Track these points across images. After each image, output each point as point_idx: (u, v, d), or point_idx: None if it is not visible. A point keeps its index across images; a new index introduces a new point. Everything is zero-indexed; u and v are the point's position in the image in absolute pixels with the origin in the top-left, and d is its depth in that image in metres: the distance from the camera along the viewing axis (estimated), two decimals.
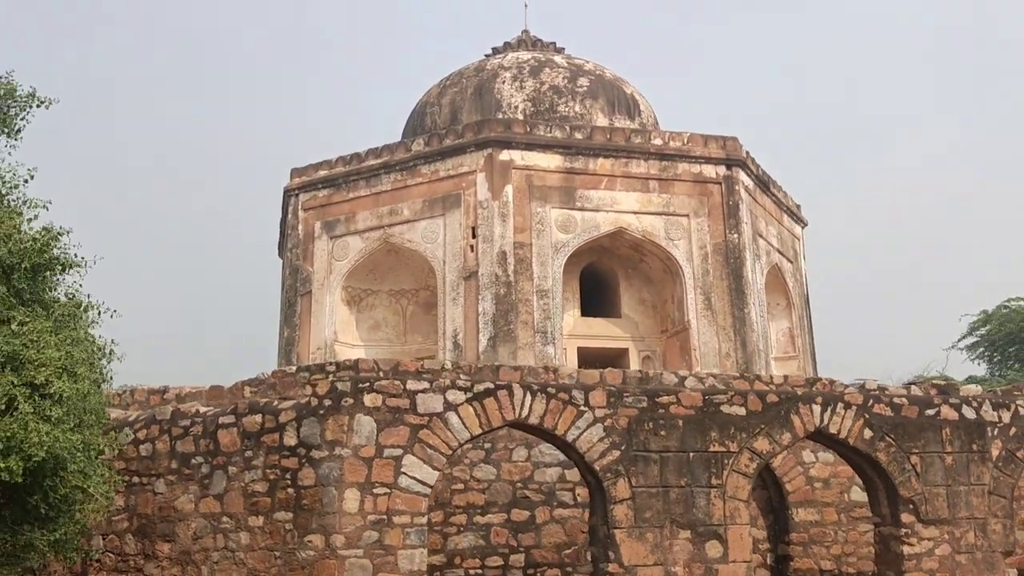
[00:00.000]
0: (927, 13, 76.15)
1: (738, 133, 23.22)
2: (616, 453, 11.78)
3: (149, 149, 71.95)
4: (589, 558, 12.88)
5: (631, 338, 23.11)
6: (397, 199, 22.80)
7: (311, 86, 79.78)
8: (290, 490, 11.33)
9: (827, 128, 76.64)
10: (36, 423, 8.15)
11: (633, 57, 73.31)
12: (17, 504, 8.99)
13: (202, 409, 12.74)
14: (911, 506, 12.57)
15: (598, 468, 11.73)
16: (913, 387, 13.66)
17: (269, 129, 77.01)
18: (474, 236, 21.58)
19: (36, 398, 8.37)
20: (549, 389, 11.81)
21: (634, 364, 22.37)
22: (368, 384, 11.32)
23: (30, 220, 9.34)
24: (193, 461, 12.21)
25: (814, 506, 15.47)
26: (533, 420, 11.74)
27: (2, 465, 8.00)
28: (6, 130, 9.68)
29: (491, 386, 11.67)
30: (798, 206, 26.95)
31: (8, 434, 8.02)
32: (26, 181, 9.49)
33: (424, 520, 11.32)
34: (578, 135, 22.40)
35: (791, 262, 25.83)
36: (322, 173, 23.92)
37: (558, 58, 26.33)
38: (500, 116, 23.76)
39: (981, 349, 33.35)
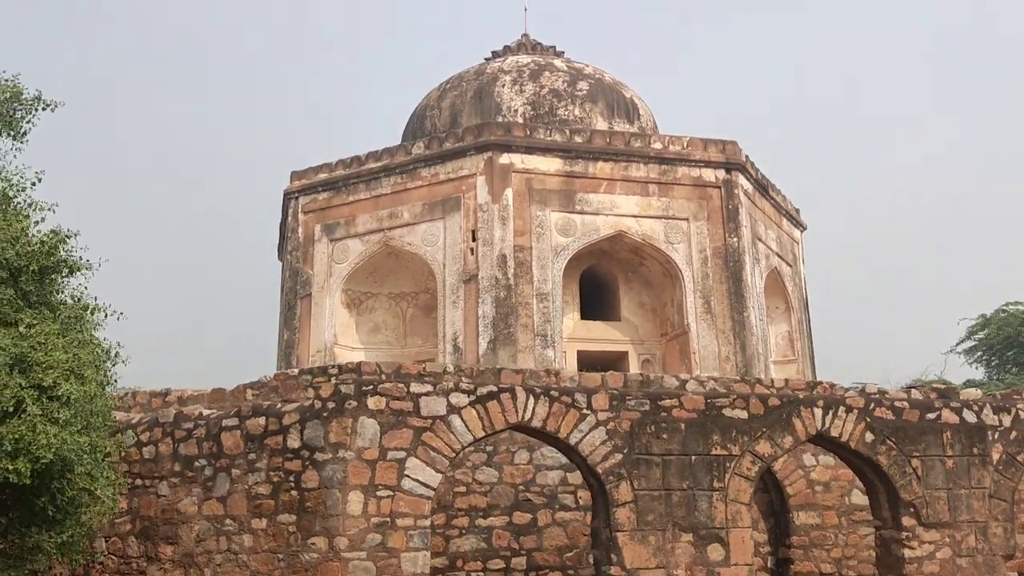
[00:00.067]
0: (927, 13, 76.28)
1: (738, 133, 23.48)
2: (619, 456, 11.80)
3: (149, 149, 71.98)
4: (591, 561, 12.91)
5: (631, 341, 23.16)
6: (397, 202, 22.85)
7: (311, 86, 79.77)
8: (293, 492, 11.34)
9: (827, 128, 76.73)
10: (44, 425, 8.18)
11: (633, 57, 73.34)
12: (24, 506, 9.01)
13: (205, 412, 12.76)
14: (912, 509, 12.60)
15: (601, 471, 11.75)
16: (913, 391, 13.69)
17: (269, 129, 76.97)
18: (474, 239, 21.62)
19: (44, 400, 8.40)
20: (552, 392, 11.83)
21: (634, 367, 22.40)
22: (372, 387, 11.34)
23: (37, 223, 9.38)
24: (196, 463, 12.23)
25: (815, 509, 15.50)
26: (536, 423, 11.76)
27: (10, 467, 8.04)
28: (12, 133, 9.70)
29: (494, 389, 11.69)
30: (797, 210, 27.02)
31: (16, 436, 8.05)
32: (34, 184, 9.53)
33: (427, 522, 11.34)
34: (578, 139, 22.46)
35: (790, 266, 25.90)
36: (322, 176, 23.95)
37: (558, 62, 26.39)
38: (500, 120, 23.81)
39: (979, 353, 33.39)
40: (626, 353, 23.00)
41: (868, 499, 13.49)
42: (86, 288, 10.03)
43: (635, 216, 22.26)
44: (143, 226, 62.51)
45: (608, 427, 11.86)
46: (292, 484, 11.38)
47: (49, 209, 9.54)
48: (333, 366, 13.37)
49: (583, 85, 25.37)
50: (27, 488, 8.69)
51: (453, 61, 68.84)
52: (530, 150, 22.05)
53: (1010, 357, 32.02)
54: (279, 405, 12.02)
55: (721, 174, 22.86)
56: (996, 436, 13.18)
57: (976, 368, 33.74)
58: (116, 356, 10.22)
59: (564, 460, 13.97)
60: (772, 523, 15.74)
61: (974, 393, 13.78)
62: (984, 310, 33.86)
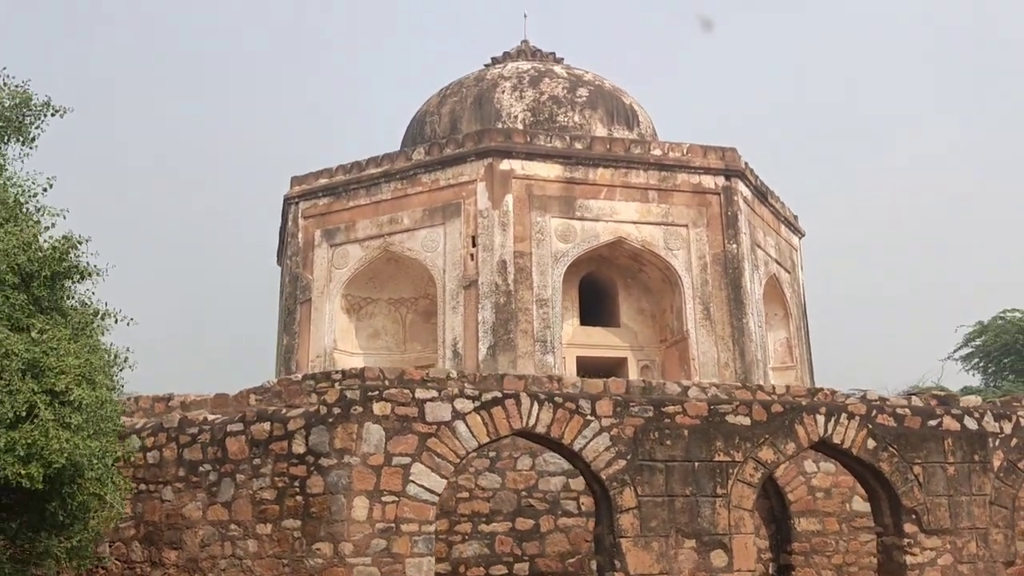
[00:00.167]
0: (927, 13, 76.62)
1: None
2: (622, 462, 11.84)
3: (149, 149, 72.05)
4: (593, 567, 12.94)
5: (630, 347, 23.20)
6: (397, 208, 22.89)
7: (311, 86, 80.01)
8: (298, 498, 11.37)
9: (827, 128, 77.05)
10: (56, 430, 8.22)
11: (633, 58, 73.66)
12: (35, 511, 9.04)
13: (209, 417, 12.78)
14: (914, 516, 12.66)
15: (604, 477, 11.79)
16: (914, 398, 13.75)
17: (269, 129, 77.17)
18: (474, 245, 21.66)
19: (56, 405, 8.44)
20: (556, 398, 11.87)
21: (633, 373, 22.44)
22: (377, 392, 11.37)
23: (47, 228, 9.41)
24: (201, 469, 12.25)
25: (816, 516, 15.54)
26: (540, 429, 11.80)
27: (23, 472, 8.07)
28: (20, 138, 9.74)
29: (498, 395, 11.73)
30: (795, 217, 27.11)
31: (29, 441, 8.09)
32: (44, 190, 9.56)
33: (432, 528, 11.37)
34: (578, 145, 22.52)
35: (789, 272, 25.97)
36: (322, 181, 23.98)
37: (558, 68, 26.46)
38: (500, 126, 23.87)
39: (976, 360, 33.54)
40: (625, 359, 23.04)
41: (870, 506, 13.54)
42: (93, 293, 10.08)
43: (635, 222, 22.33)
44: (143, 226, 62.52)
45: (612, 433, 11.90)
46: (297, 489, 11.40)
47: (59, 215, 9.60)
48: (336, 371, 13.36)
49: (583, 92, 25.44)
50: (38, 493, 8.72)
51: (453, 62, 68.97)
52: (530, 156, 22.10)
53: (1007, 364, 32.17)
54: (284, 410, 12.05)
55: (720, 181, 22.92)
56: (997, 443, 13.25)
57: (973, 375, 33.93)
58: (125, 361, 10.27)
59: (566, 466, 14.01)
60: (773, 529, 15.78)
61: (974, 400, 13.86)
62: (982, 316, 34.09)
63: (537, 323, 21.16)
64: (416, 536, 11.19)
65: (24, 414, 8.23)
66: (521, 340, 20.94)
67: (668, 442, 12.02)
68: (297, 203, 24.17)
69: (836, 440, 12.64)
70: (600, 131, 24.48)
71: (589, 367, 21.40)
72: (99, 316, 9.77)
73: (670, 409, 12.15)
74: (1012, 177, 66.69)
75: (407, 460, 11.30)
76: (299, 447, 11.51)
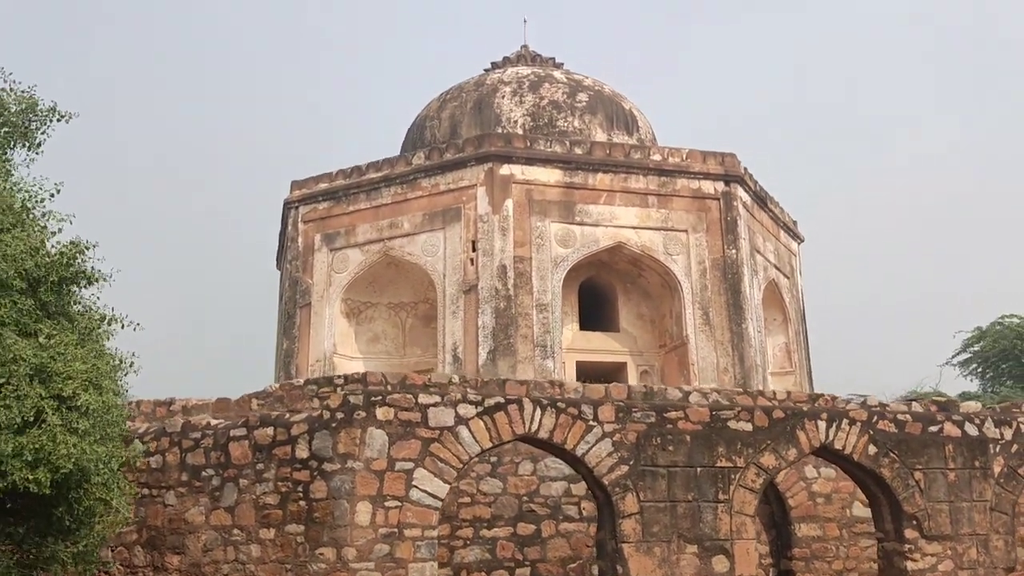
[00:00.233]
0: (927, 13, 76.82)
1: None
2: (624, 468, 11.86)
3: (149, 149, 72.07)
4: (595, 572, 12.96)
5: (629, 352, 23.23)
6: (397, 212, 22.91)
7: (311, 87, 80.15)
8: (302, 503, 11.38)
9: (827, 128, 77.21)
10: (64, 435, 8.24)
11: (633, 59, 73.83)
12: (41, 516, 9.05)
13: (213, 421, 12.79)
14: (915, 522, 12.69)
15: (607, 483, 11.81)
16: (914, 404, 13.78)
17: (269, 130, 77.25)
18: (474, 250, 21.69)
19: (64, 410, 8.46)
20: (559, 404, 11.90)
21: (632, 378, 22.47)
22: (380, 397, 11.39)
23: (54, 233, 9.43)
24: (204, 473, 12.26)
25: (816, 521, 15.57)
26: (543, 434, 11.82)
27: (31, 477, 8.09)
28: (27, 143, 9.76)
29: (501, 400, 11.75)
30: (795, 222, 27.18)
31: (37, 446, 8.11)
32: (52, 195, 9.59)
33: (435, 533, 11.39)
34: (578, 150, 22.56)
35: (788, 277, 26.02)
36: (322, 186, 24.01)
37: (557, 73, 26.51)
38: (500, 131, 23.90)
39: (974, 365, 33.63)
40: (625, 364, 23.07)
41: (870, 511, 13.58)
42: (98, 298, 10.10)
43: (634, 227, 22.37)
44: (141, 227, 62.51)
45: (614, 439, 11.93)
46: (300, 494, 11.42)
47: (66, 220, 9.62)
48: (338, 376, 13.39)
49: (583, 97, 25.49)
50: (45, 498, 8.74)
51: (453, 62, 69.14)
52: (530, 161, 22.14)
53: (1005, 369, 32.26)
54: (287, 415, 12.06)
55: (720, 186, 22.98)
56: (997, 449, 13.29)
57: (971, 380, 34.00)
58: (131, 366, 10.29)
59: (568, 471, 14.03)
60: (774, 535, 15.80)
61: (974, 406, 13.89)
62: (981, 322, 34.17)
63: (537, 328, 21.19)
64: (419, 541, 11.20)
65: (32, 419, 8.25)
66: (521, 345, 20.97)
67: (670, 448, 12.04)
68: (297, 207, 24.19)
69: (837, 446, 12.67)
70: (600, 136, 24.53)
71: (588, 372, 21.45)
72: (105, 321, 9.80)
73: (672, 415, 12.17)
74: (1012, 177, 66.92)
75: (410, 465, 11.32)
76: (302, 452, 11.52)
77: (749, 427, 12.36)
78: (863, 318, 57.20)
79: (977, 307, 41.02)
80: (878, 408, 13.15)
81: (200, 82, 76.68)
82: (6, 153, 9.70)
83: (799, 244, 27.54)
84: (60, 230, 9.50)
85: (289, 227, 24.37)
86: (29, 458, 8.09)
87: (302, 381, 14.24)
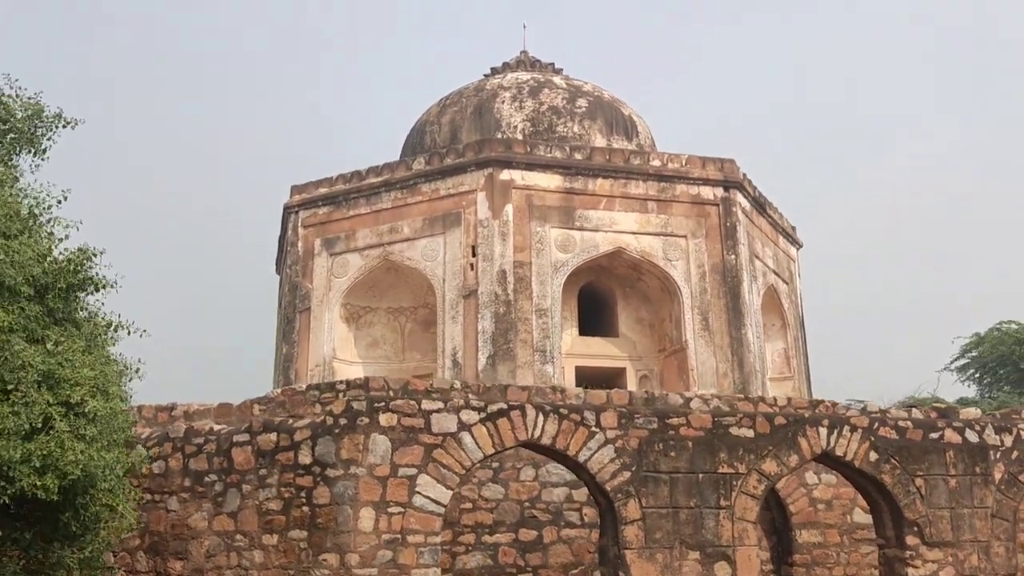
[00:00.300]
0: (927, 13, 77.02)
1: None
2: (627, 474, 11.88)
3: (149, 150, 72.08)
4: None
5: (628, 357, 23.27)
6: (397, 217, 22.96)
7: (311, 86, 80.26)
8: (305, 508, 11.39)
9: (827, 128, 77.36)
10: (72, 442, 8.26)
11: (632, 61, 73.96)
12: (48, 522, 9.06)
13: (215, 427, 12.80)
14: (916, 528, 12.72)
15: (609, 489, 11.83)
16: (914, 410, 13.82)
17: (269, 129, 77.34)
18: (474, 255, 21.72)
19: (72, 417, 8.47)
20: (561, 410, 11.92)
21: (631, 383, 22.51)
22: (384, 404, 11.40)
23: (61, 240, 9.46)
24: (207, 479, 12.26)
25: (817, 527, 15.59)
26: (545, 441, 11.84)
27: (39, 483, 8.11)
28: (33, 149, 9.78)
29: (504, 406, 11.76)
30: (793, 227, 27.25)
31: (45, 452, 8.12)
32: (59, 202, 9.61)
33: (438, 539, 11.40)
34: (578, 156, 22.62)
35: (786, 283, 26.08)
36: (322, 190, 24.04)
37: (557, 79, 26.56)
38: (500, 136, 23.95)
39: (972, 370, 33.69)
40: (624, 369, 23.11)
41: (871, 518, 13.61)
42: (102, 303, 10.11)
43: (634, 233, 22.42)
44: (141, 227, 62.46)
45: (617, 445, 11.95)
46: (303, 500, 11.42)
47: (72, 226, 9.64)
48: (340, 382, 13.39)
49: (582, 102, 25.55)
50: (52, 504, 8.75)
51: (452, 66, 69.12)
52: (530, 166, 22.19)
53: (1003, 375, 32.32)
54: (290, 421, 12.07)
55: (719, 192, 23.04)
56: (998, 456, 13.32)
57: (968, 386, 34.05)
58: (136, 372, 10.31)
59: (569, 477, 14.04)
60: (774, 541, 15.83)
61: (974, 412, 13.93)
62: (979, 327, 34.24)
63: (536, 333, 21.22)
64: (422, 547, 11.21)
65: (40, 425, 8.26)
66: (520, 350, 21.00)
67: (672, 454, 12.06)
68: (297, 212, 24.21)
69: (839, 452, 12.71)
70: (599, 141, 24.58)
71: (588, 377, 21.47)
72: (112, 328, 9.82)
73: (674, 421, 12.20)
74: (1012, 177, 67.04)
75: (413, 471, 11.33)
76: (305, 458, 11.53)
77: (751, 433, 12.38)
78: (862, 319, 57.33)
79: (976, 310, 41.15)
80: (879, 415, 13.17)
81: (200, 82, 76.91)
82: (13, 159, 9.73)
83: (798, 249, 27.61)
84: (67, 236, 9.55)
85: (289, 231, 24.39)
86: (37, 464, 8.11)
87: (304, 386, 14.24)
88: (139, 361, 10.35)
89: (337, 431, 11.37)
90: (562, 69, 27.88)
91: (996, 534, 13.03)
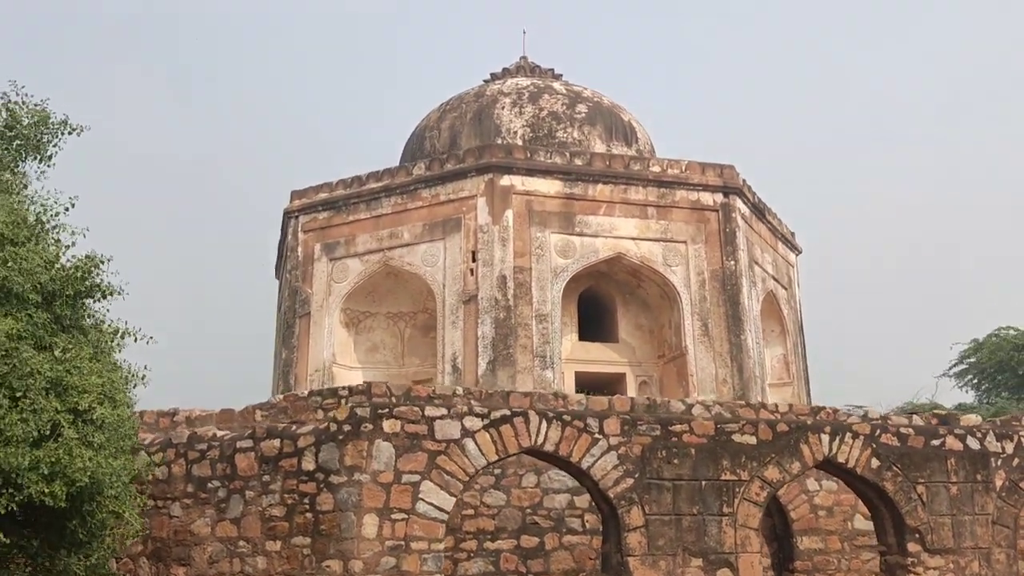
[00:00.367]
0: (927, 13, 77.27)
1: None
2: (630, 481, 11.89)
3: (149, 150, 72.07)
4: None
5: (628, 363, 23.27)
6: (397, 222, 22.95)
7: (311, 88, 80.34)
8: (308, 515, 11.40)
9: (826, 134, 77.60)
10: (80, 449, 8.27)
11: (632, 65, 74.02)
12: (55, 529, 9.06)
13: (218, 433, 12.80)
14: (917, 535, 12.74)
15: (612, 496, 11.84)
16: (915, 417, 13.84)
17: (269, 129, 77.37)
18: (474, 260, 21.73)
19: (79, 424, 8.48)
20: (564, 416, 11.93)
21: (631, 389, 22.53)
22: (387, 410, 11.41)
23: (68, 247, 9.46)
24: (210, 485, 12.26)
25: (818, 534, 15.62)
26: (548, 447, 11.85)
27: (47, 490, 8.12)
28: (38, 156, 9.79)
29: (507, 413, 11.77)
30: (792, 233, 27.27)
31: (53, 459, 8.14)
32: (67, 209, 9.62)
33: (441, 546, 11.41)
34: (578, 161, 22.63)
35: (785, 289, 26.11)
36: (322, 196, 24.04)
37: (557, 84, 26.59)
38: (499, 141, 23.96)
39: (970, 376, 33.77)
40: (623, 375, 23.11)
41: (873, 525, 13.62)
42: (108, 310, 10.13)
43: (634, 238, 22.44)
44: (141, 227, 62.40)
45: (620, 452, 11.96)
46: (307, 506, 11.43)
47: (79, 233, 9.65)
48: (343, 388, 13.44)
49: (582, 108, 25.57)
50: (59, 511, 8.76)
51: (452, 70, 69.30)
52: (531, 172, 22.20)
53: (1001, 381, 32.40)
54: (294, 427, 12.08)
55: (719, 198, 23.06)
56: (999, 463, 13.35)
57: (966, 391, 34.12)
58: (142, 379, 10.32)
59: (571, 483, 14.05)
60: (775, 547, 15.84)
61: (975, 419, 13.95)
62: (977, 333, 34.32)
63: (536, 338, 21.23)
64: (426, 554, 11.22)
65: (48, 433, 8.28)
66: (520, 355, 21.00)
67: (675, 461, 12.08)
68: (297, 217, 24.21)
69: (840, 459, 12.72)
70: (599, 147, 24.60)
71: (587, 382, 21.51)
72: (119, 335, 9.83)
73: (677, 428, 12.21)
74: (1012, 183, 67.18)
75: (416, 478, 11.34)
76: (309, 464, 11.54)
77: (753, 440, 12.40)
78: (860, 330, 57.38)
79: (975, 318, 41.23)
80: (880, 421, 13.20)
81: (200, 82, 76.96)
82: (19, 166, 9.75)
83: (797, 256, 27.64)
84: (74, 243, 9.56)
85: (289, 236, 24.39)
86: (45, 471, 8.12)
87: (306, 392, 14.29)
88: (145, 368, 10.36)
89: (341, 437, 11.38)
90: (562, 75, 27.92)
91: (997, 541, 13.05)
